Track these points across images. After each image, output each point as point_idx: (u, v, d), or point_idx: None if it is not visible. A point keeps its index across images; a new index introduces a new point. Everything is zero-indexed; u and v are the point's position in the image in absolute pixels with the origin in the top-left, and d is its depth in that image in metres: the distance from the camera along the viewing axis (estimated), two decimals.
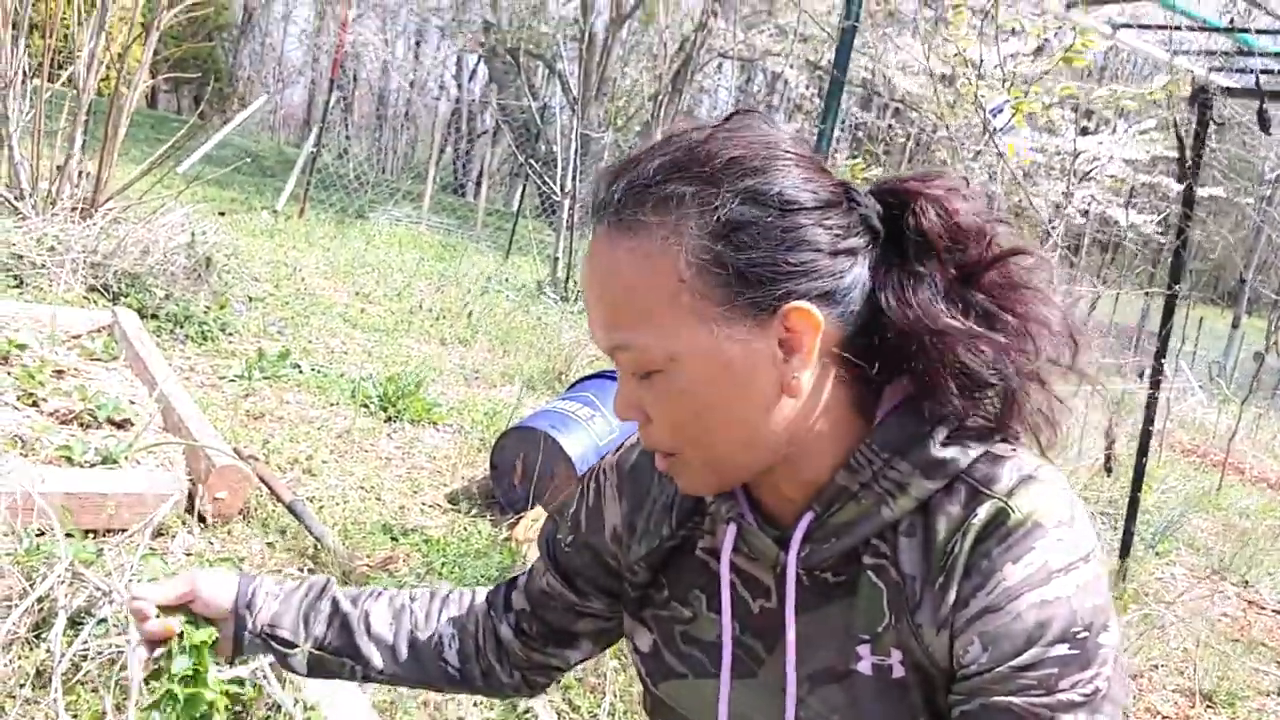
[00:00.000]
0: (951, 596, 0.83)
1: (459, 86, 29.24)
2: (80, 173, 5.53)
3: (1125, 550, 3.33)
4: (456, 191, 22.35)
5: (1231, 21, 2.87)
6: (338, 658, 1.13)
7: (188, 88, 28.65)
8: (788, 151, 0.84)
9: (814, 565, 0.90)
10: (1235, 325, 19.60)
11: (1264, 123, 3.33)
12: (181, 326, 4.38)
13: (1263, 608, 4.16)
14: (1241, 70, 3.17)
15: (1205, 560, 4.59)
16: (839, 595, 0.90)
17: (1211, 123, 3.38)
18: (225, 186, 9.59)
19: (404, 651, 1.13)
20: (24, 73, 5.44)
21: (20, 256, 4.33)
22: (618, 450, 1.10)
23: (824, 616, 0.90)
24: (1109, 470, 3.19)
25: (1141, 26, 3.02)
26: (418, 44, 30.31)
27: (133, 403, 3.21)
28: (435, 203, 12.37)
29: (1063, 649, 0.79)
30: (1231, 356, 17.52)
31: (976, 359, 0.84)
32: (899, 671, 0.87)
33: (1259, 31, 3.10)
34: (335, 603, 1.14)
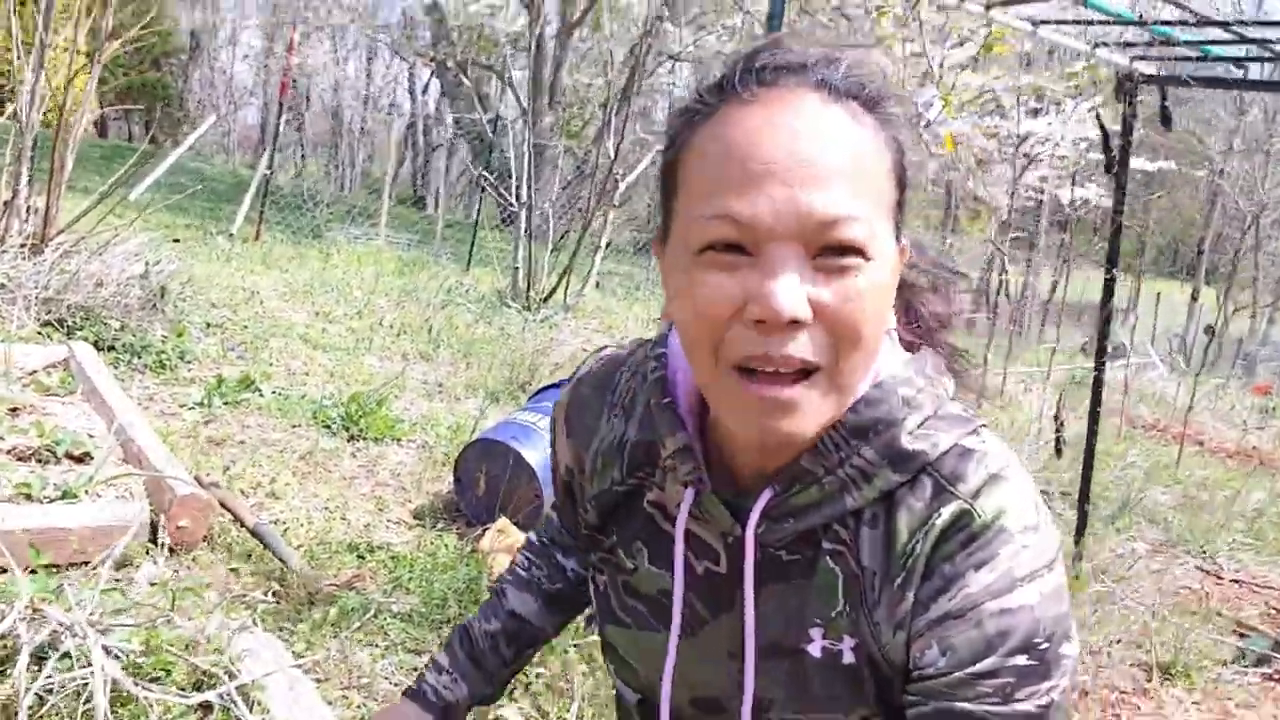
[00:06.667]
0: (910, 597, 0.82)
1: (413, 100, 29.15)
2: (28, 208, 5.48)
3: (1081, 530, 3.41)
4: (416, 204, 22.29)
5: (1141, 15, 2.96)
6: (524, 658, 1.19)
7: (139, 115, 28.34)
8: None
9: (768, 543, 0.88)
10: (1194, 298, 19.92)
11: (1165, 117, 3.42)
12: (139, 356, 4.37)
13: (1220, 578, 4.26)
14: (1161, 59, 3.26)
15: (1165, 534, 4.70)
16: (793, 574, 0.88)
17: (1138, 109, 3.48)
18: (179, 213, 9.52)
19: (554, 611, 1.19)
20: None
21: None
22: (569, 386, 1.07)
23: (775, 593, 0.89)
24: (1059, 453, 3.26)
25: (1059, 22, 3.10)
26: (369, 60, 30.17)
27: (92, 436, 3.21)
28: (393, 218, 12.34)
29: (1022, 659, 0.78)
30: (1192, 329, 17.82)
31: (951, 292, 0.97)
32: (849, 658, 0.86)
33: (1164, 23, 3.19)
34: (490, 635, 1.17)
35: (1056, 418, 3.27)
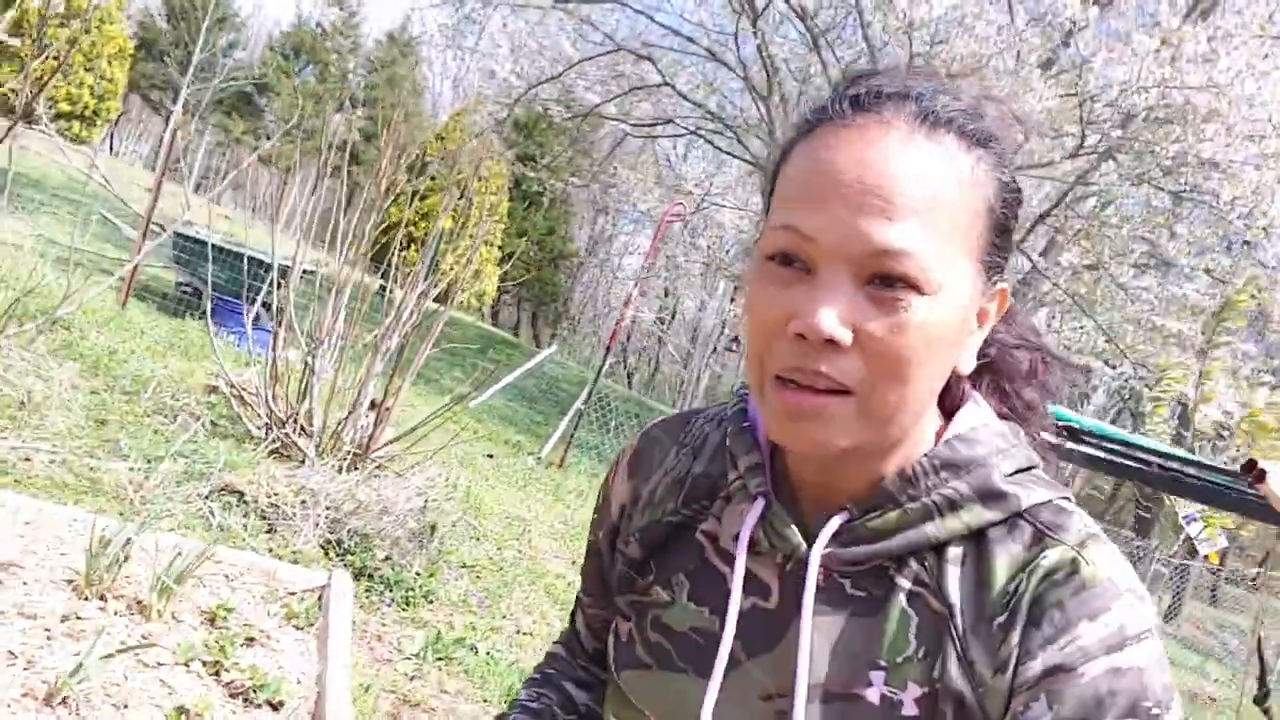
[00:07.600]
0: (1015, 639, 0.79)
1: None
2: (372, 403, 6.26)
3: None
4: None
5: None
6: None
7: (528, 305, 31.98)
8: None
9: (833, 566, 0.86)
10: None
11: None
12: (391, 590, 4.85)
13: None
14: None
15: None
16: (858, 611, 0.85)
17: None
18: (508, 424, 10.51)
19: None
20: (340, 335, 6.43)
21: (277, 506, 5.03)
22: (640, 432, 1.11)
23: (834, 628, 0.85)
24: None
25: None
26: (731, 300, 32.23)
27: (299, 681, 3.60)
28: None
29: None
30: None
31: (1050, 378, 0.96)
32: (910, 709, 0.82)
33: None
34: None
35: None
